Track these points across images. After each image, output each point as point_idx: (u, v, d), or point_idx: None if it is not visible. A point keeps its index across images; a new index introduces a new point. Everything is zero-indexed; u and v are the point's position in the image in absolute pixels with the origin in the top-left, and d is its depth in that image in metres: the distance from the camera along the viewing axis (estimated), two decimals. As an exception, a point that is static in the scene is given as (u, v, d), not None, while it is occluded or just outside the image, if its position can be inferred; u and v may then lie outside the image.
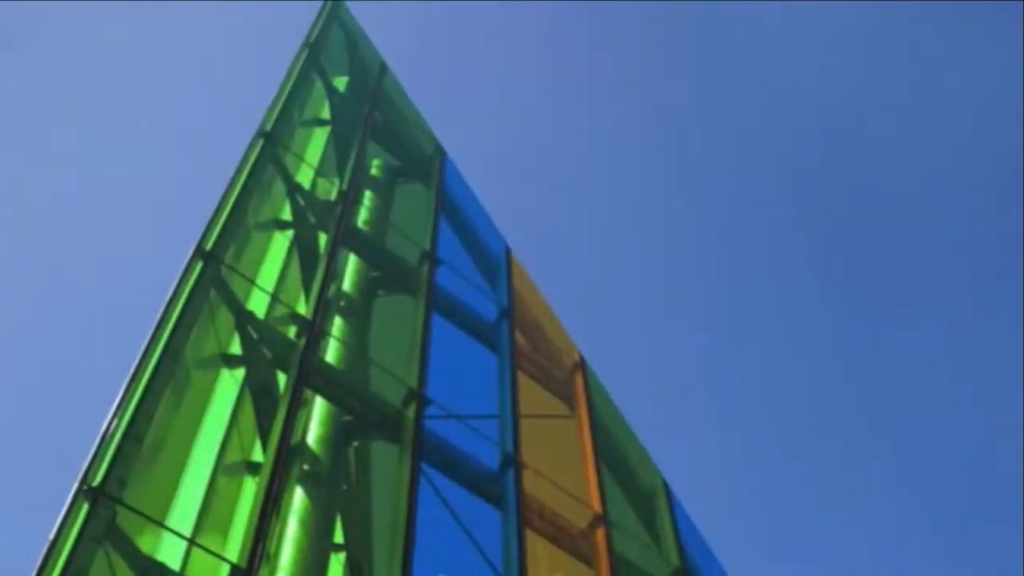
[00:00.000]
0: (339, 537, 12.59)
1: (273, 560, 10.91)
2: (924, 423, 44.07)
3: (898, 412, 44.21)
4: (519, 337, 17.21)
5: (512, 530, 13.03)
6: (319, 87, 19.08)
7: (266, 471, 10.99)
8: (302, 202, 16.13)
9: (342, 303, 15.37)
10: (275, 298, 14.13)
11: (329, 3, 20.26)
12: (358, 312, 15.60)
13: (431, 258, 16.73)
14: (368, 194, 17.85)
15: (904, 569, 45.34)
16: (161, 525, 9.91)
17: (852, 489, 44.53)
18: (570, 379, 17.71)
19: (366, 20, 21.33)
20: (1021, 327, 37.32)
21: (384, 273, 16.57)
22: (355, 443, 13.51)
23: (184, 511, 10.71)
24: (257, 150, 14.92)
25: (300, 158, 16.77)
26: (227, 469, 12.17)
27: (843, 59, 41.59)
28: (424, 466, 12.66)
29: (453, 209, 19.24)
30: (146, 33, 36.84)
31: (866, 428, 44.69)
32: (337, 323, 14.92)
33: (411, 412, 13.30)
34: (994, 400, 42.57)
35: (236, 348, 13.14)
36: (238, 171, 14.31)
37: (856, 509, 44.93)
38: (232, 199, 13.77)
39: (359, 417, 13.35)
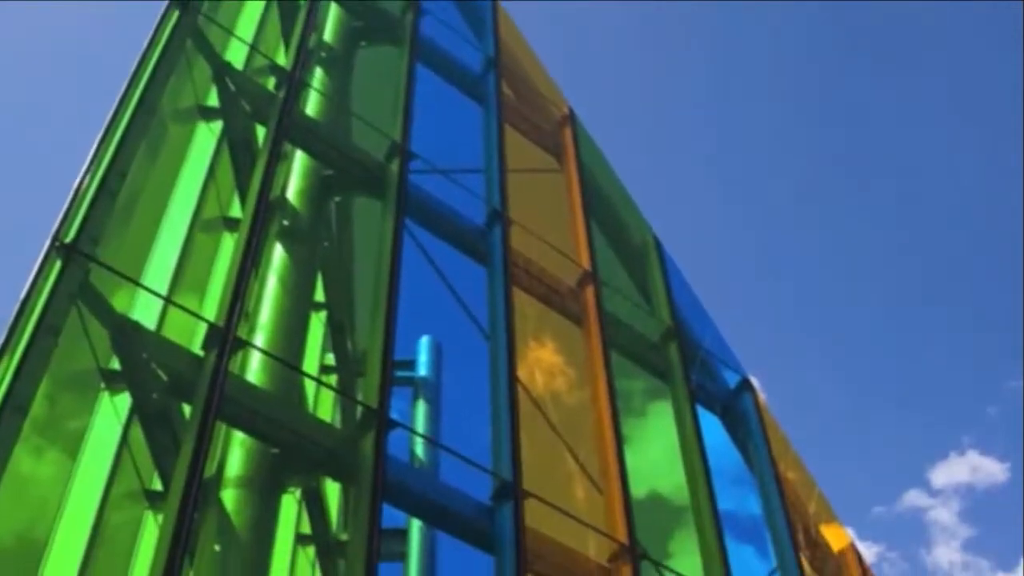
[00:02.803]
0: (320, 295, 12.44)
1: (252, 319, 10.72)
2: (925, 170, 43.89)
3: (898, 161, 44.00)
4: (506, 89, 16.76)
5: (499, 288, 12.82)
6: None
7: (244, 226, 10.67)
8: (280, -50, 15.53)
9: (323, 54, 14.92)
10: (254, 48, 13.73)
11: None
12: (340, 63, 15.17)
13: (415, 7, 16.16)
14: (349, -60, 17.19)
15: (902, 320, 45.70)
16: (136, 283, 9.67)
17: (848, 240, 44.60)
18: (558, 132, 17.33)
19: None
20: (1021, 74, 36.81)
21: (366, 23, 16.04)
22: (336, 198, 13.25)
23: (159, 269, 10.49)
24: None
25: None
26: (204, 225, 11.93)
27: None
28: (408, 222, 12.39)
29: (438, -45, 18.58)
30: None
31: (865, 176, 44.54)
32: (318, 75, 14.52)
33: (394, 166, 12.94)
34: (995, 147, 42.30)
35: (213, 100, 12.77)
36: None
37: (854, 260, 45.08)
38: (209, -55, 13.23)
39: (341, 171, 13.03)
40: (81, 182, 9.44)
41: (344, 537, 10.15)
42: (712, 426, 14.67)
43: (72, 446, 8.85)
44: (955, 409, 49.81)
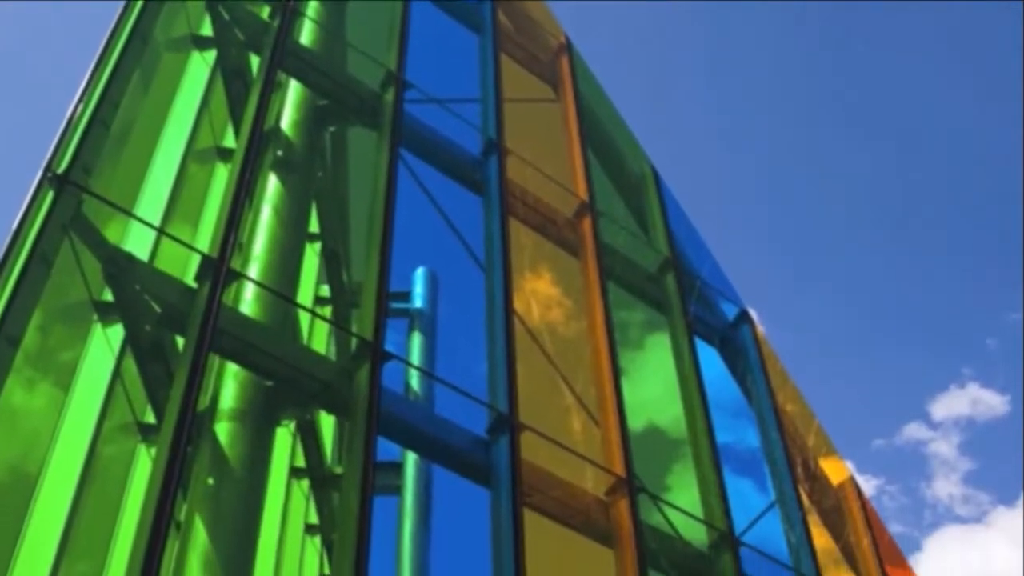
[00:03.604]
0: (314, 226, 12.35)
1: (246, 250, 10.64)
2: (925, 100, 43.66)
3: (899, 89, 43.75)
4: (502, 18, 16.60)
5: (495, 218, 12.74)
6: None
7: (238, 157, 10.60)
8: None
9: (318, -19, 14.74)
10: (248, -24, 13.54)
11: None
12: (335, -8, 15.00)
13: (410, -65, 15.95)
14: None
15: (901, 253, 45.64)
16: (128, 214, 9.57)
17: (847, 173, 44.45)
18: (555, 62, 17.17)
19: None
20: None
21: (362, -49, 15.86)
22: (331, 128, 13.13)
23: (153, 199, 10.40)
24: None
25: None
26: (198, 156, 11.83)
27: None
28: (403, 152, 12.29)
29: None
30: None
31: (865, 106, 44.30)
32: (312, 4, 14.33)
33: (390, 96, 12.84)
34: (997, 74, 42.03)
35: (207, 29, 12.69)
36: None
37: (853, 194, 44.95)
38: None
39: (335, 101, 12.91)
40: (73, 112, 9.37)
41: (339, 470, 10.11)
42: (710, 358, 14.62)
43: (64, 378, 8.79)
44: (955, 341, 49.81)
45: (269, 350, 9.74)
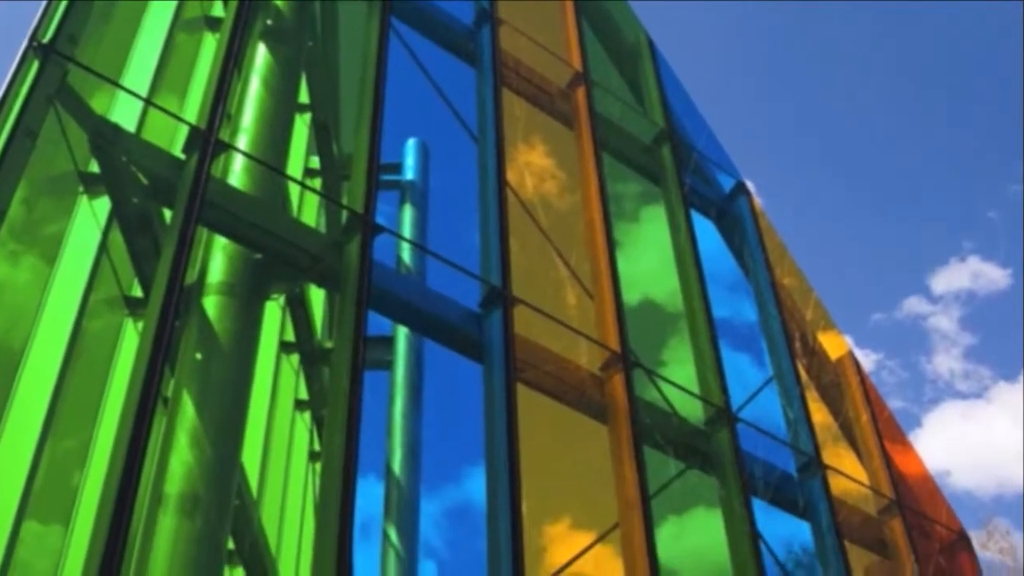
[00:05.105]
0: (304, 97, 12.17)
1: (234, 121, 10.47)
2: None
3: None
4: None
5: (488, 89, 12.56)
6: None
7: (227, 26, 10.41)
8: None
9: None
10: None
11: None
12: None
13: None
14: None
15: (902, 122, 45.39)
16: (115, 84, 9.39)
17: (848, 41, 44.01)
18: (549, -74, 16.83)
19: None
20: None
21: None
22: (322, -5, 12.92)
23: (140, 70, 10.20)
24: None
25: None
26: (185, 25, 11.61)
27: None
28: (394, 21, 12.06)
29: None
30: None
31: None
32: None
33: (380, -37, 12.57)
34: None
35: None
36: None
37: (853, 62, 44.54)
38: None
39: (325, -31, 12.69)
40: (59, -21, 9.16)
41: (329, 345, 10.06)
42: (707, 231, 14.50)
43: (50, 251, 8.69)
44: (956, 213, 49.73)
45: (258, 223, 9.59)
